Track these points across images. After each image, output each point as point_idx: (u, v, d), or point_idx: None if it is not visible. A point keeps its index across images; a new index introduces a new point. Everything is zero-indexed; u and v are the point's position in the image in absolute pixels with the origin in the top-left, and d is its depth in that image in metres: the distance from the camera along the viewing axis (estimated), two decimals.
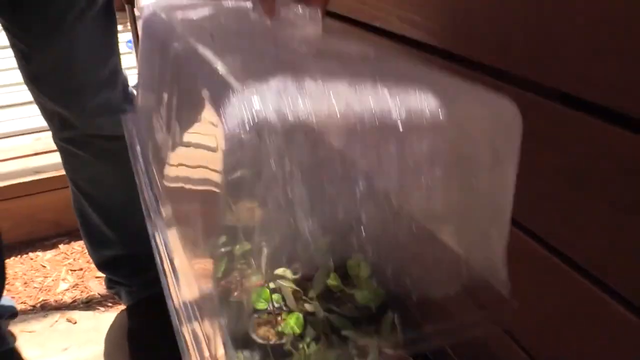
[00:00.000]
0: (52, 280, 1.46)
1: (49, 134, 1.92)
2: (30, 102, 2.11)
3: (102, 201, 1.05)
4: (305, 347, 0.55)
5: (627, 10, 0.44)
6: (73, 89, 0.91)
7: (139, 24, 0.78)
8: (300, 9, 0.50)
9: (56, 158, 1.73)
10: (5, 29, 0.88)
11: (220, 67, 0.40)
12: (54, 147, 1.80)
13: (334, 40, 0.48)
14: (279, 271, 0.65)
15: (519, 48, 0.57)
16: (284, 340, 0.57)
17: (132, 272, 1.12)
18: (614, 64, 0.46)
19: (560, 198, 0.55)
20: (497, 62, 0.61)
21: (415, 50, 0.77)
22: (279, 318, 0.61)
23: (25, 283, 1.43)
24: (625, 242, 0.48)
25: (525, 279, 0.60)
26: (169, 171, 0.54)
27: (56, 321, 1.30)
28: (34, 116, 1.99)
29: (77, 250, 1.56)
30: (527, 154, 0.59)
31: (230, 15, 0.56)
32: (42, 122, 1.92)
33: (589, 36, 0.48)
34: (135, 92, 1.01)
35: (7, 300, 1.17)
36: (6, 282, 1.10)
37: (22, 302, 1.36)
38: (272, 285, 0.64)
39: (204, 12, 0.58)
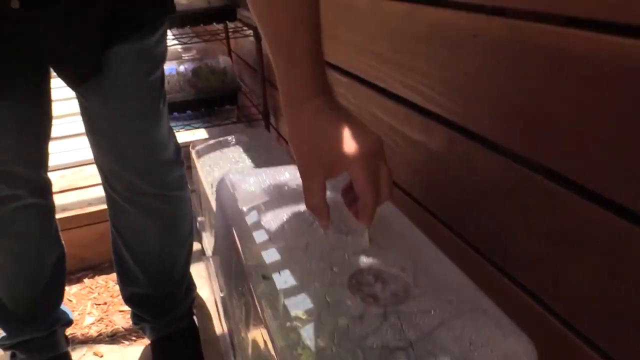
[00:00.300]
0: (79, 314, 1.53)
1: (73, 170, 2.03)
2: (53, 139, 2.22)
3: (138, 248, 1.12)
4: None
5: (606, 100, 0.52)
6: (125, 148, 0.98)
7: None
8: (350, 221, 0.61)
9: (81, 195, 1.83)
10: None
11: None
12: (79, 184, 1.90)
13: (379, 258, 0.58)
14: (296, 312, 0.72)
15: (512, 124, 0.65)
16: None
17: (158, 311, 1.19)
18: (588, 146, 0.53)
19: (547, 258, 0.62)
20: (491, 135, 0.69)
21: (415, 113, 0.85)
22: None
23: None
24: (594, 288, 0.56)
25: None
26: None
27: (84, 354, 1.37)
28: (57, 153, 2.09)
29: (101, 285, 1.64)
30: (518, 216, 0.66)
31: (293, 217, 0.66)
32: (66, 159, 2.04)
33: (572, 119, 0.56)
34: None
35: (64, 308, 1.26)
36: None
37: None
38: (288, 324, 0.71)
39: (270, 214, 0.68)
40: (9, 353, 1.20)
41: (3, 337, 1.17)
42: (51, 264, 1.15)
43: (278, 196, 0.71)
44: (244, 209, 0.69)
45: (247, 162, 1.35)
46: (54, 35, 0.86)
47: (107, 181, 1.05)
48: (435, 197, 0.85)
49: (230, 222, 0.68)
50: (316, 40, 0.59)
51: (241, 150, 1.44)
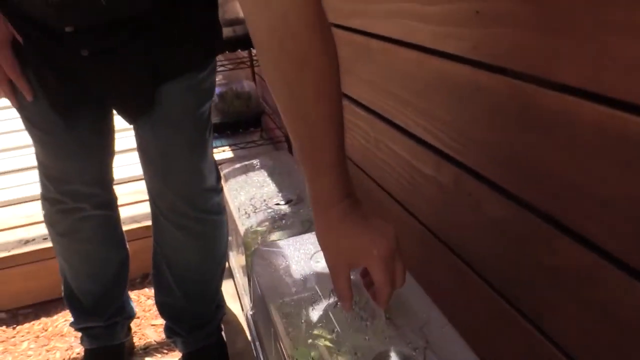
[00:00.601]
0: None
1: None
2: None
3: (176, 263, 1.22)
4: None
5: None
6: (171, 175, 1.08)
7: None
8: (368, 303, 0.71)
9: None
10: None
11: None
12: None
13: (394, 339, 0.68)
14: (317, 331, 0.81)
15: (510, 169, 0.72)
16: None
17: (190, 325, 1.27)
18: (579, 196, 0.61)
19: (541, 289, 0.70)
20: (492, 176, 0.76)
21: (428, 150, 0.93)
22: None
23: None
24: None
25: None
26: None
27: None
28: None
29: (134, 299, 1.72)
30: (516, 251, 0.74)
31: (319, 296, 0.77)
32: None
33: (563, 171, 0.63)
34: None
35: (131, 303, 1.42)
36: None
37: None
38: (309, 341, 0.80)
39: (300, 291, 0.79)
40: (80, 334, 1.37)
41: (72, 322, 1.34)
42: (114, 265, 1.29)
43: (306, 272, 0.81)
44: (276, 291, 0.79)
45: (272, 186, 1.44)
46: (111, 78, 0.96)
47: (153, 199, 1.16)
48: (446, 227, 0.93)
49: (265, 298, 0.79)
50: (340, 150, 0.65)
51: (265, 174, 1.53)
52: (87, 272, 1.27)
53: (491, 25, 0.69)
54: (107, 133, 1.11)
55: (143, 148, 1.09)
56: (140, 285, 1.80)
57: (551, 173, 0.63)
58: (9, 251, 1.73)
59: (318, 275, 0.79)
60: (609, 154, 0.54)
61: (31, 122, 1.03)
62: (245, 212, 1.34)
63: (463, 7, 0.74)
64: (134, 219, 1.86)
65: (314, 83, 0.62)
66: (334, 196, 0.66)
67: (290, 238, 0.89)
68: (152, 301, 1.72)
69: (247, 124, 2.03)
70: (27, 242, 1.79)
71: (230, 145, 2.05)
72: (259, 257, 0.86)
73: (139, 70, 0.95)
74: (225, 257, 1.29)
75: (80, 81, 0.96)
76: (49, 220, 1.19)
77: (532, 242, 0.69)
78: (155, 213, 1.17)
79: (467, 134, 0.80)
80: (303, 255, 0.83)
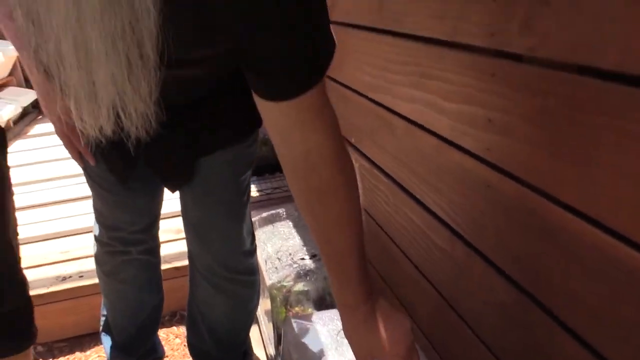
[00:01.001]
0: None
1: None
2: None
3: (209, 316, 1.30)
4: None
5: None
6: (209, 240, 1.16)
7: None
8: None
9: None
10: None
11: None
12: None
13: None
14: None
15: (514, 262, 0.80)
16: None
17: None
18: (566, 294, 0.68)
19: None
20: (501, 264, 0.84)
21: (442, 227, 1.00)
22: None
23: None
24: None
25: None
26: None
27: None
28: None
29: (163, 338, 1.82)
30: (520, 338, 0.80)
31: None
32: None
33: (556, 272, 0.71)
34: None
35: (160, 345, 1.51)
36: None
37: None
38: None
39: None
40: None
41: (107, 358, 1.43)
42: (150, 307, 1.39)
43: (332, 346, 0.90)
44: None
45: (297, 239, 1.52)
46: (154, 155, 1.04)
47: (190, 256, 1.26)
48: (459, 298, 1.00)
49: None
50: (361, 262, 0.75)
51: (291, 224, 1.62)
52: (123, 310, 1.38)
53: (503, 135, 0.77)
54: (157, 192, 1.21)
55: (184, 211, 1.18)
56: (169, 323, 1.89)
57: (554, 278, 0.71)
58: (47, 288, 1.83)
59: (343, 352, 0.87)
60: (605, 276, 0.61)
61: (92, 179, 1.16)
62: (273, 265, 1.42)
63: (478, 112, 0.82)
64: (164, 259, 1.95)
65: (336, 212, 0.72)
66: (357, 301, 0.75)
67: (320, 312, 0.97)
68: (180, 340, 1.81)
69: (273, 169, 2.13)
70: (64, 278, 1.89)
71: (257, 191, 2.14)
72: (291, 327, 0.94)
73: (180, 148, 1.03)
74: (255, 310, 1.37)
75: (131, 157, 1.06)
76: (98, 259, 1.32)
77: (538, 334, 0.76)
78: (191, 268, 1.27)
79: (478, 221, 0.88)
80: (331, 331, 0.92)
